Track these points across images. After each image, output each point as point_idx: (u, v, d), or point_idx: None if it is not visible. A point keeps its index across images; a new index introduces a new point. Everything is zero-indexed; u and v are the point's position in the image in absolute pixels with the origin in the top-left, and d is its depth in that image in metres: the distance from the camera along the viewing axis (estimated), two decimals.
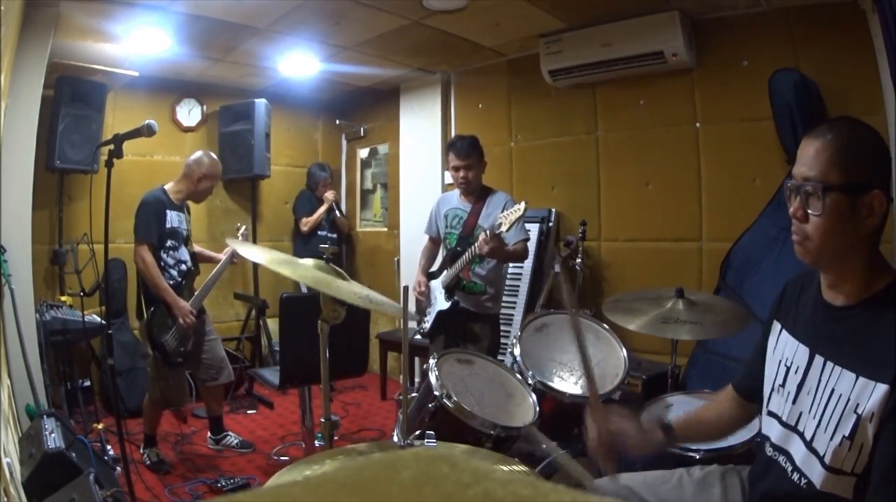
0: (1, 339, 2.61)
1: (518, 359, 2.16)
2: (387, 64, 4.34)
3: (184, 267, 3.19)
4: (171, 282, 3.09)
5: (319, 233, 4.87)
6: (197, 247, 3.43)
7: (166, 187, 3.19)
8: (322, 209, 4.85)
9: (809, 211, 1.13)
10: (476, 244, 2.70)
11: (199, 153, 3.29)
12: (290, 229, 5.22)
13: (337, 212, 4.97)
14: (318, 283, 1.29)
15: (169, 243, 3.11)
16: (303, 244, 4.88)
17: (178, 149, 4.70)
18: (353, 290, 1.32)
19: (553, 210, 3.93)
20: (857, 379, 1.08)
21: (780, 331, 1.32)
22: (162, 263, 3.08)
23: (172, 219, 3.12)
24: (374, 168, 5.47)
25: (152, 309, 3.07)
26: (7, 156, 2.80)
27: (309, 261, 1.44)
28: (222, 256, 3.38)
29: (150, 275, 3.00)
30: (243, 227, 3.55)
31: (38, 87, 3.07)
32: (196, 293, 3.22)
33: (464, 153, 2.92)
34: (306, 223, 4.83)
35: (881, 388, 1.04)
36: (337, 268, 1.44)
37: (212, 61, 4.24)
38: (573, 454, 1.95)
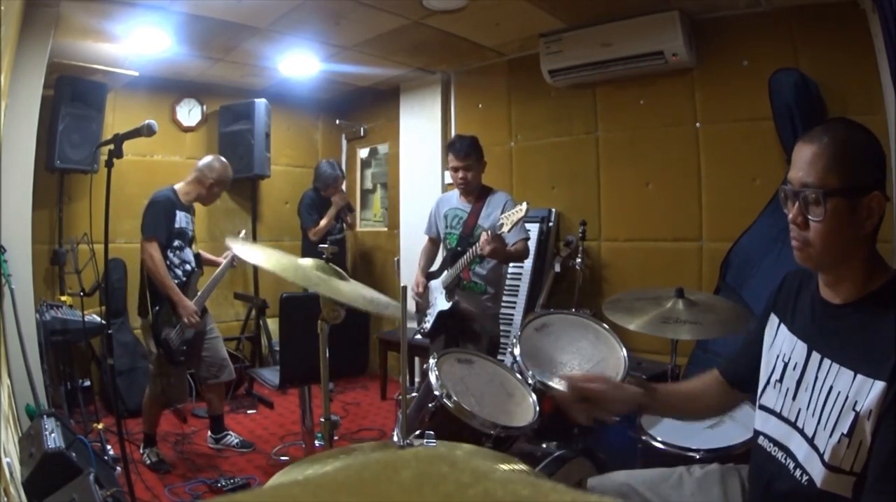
0: (1, 339, 2.61)
1: (518, 358, 2.15)
2: (387, 64, 4.33)
3: (188, 267, 3.21)
4: (176, 282, 3.10)
5: (329, 238, 4.47)
6: (200, 251, 3.45)
7: (176, 187, 3.20)
8: (330, 213, 4.48)
9: (810, 217, 1.12)
10: (477, 244, 2.70)
11: (209, 158, 3.30)
12: (290, 229, 5.18)
13: (347, 218, 4.67)
14: (318, 286, 1.29)
15: (176, 243, 3.13)
16: (310, 251, 4.66)
17: (178, 149, 4.72)
18: (354, 291, 1.32)
19: (553, 210, 3.93)
20: (854, 376, 1.08)
21: (779, 325, 1.32)
22: (168, 262, 3.09)
23: (181, 219, 3.14)
24: (374, 168, 5.47)
25: (157, 306, 3.08)
26: (7, 156, 2.80)
27: (308, 261, 1.43)
28: (222, 260, 3.41)
29: (158, 272, 3.01)
30: (244, 232, 3.57)
31: (38, 87, 3.07)
32: (199, 293, 3.24)
33: (463, 153, 2.92)
34: (316, 233, 4.42)
35: (879, 385, 1.04)
36: (336, 268, 1.43)
37: (212, 61, 4.24)
38: (574, 453, 1.95)
